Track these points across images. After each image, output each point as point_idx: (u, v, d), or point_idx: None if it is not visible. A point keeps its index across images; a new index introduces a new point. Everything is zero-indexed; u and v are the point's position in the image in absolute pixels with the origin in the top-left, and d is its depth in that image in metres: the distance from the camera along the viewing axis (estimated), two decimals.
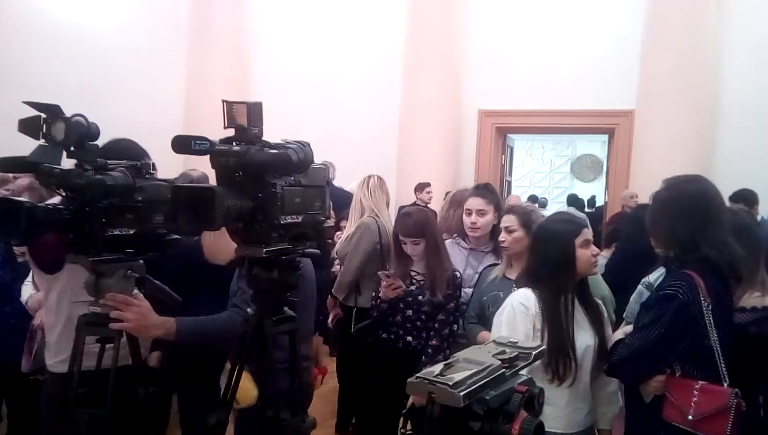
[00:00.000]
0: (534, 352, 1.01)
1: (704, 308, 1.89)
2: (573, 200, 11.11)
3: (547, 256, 2.15)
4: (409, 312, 2.76)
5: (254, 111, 1.57)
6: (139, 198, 1.70)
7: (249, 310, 1.69)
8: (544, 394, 0.97)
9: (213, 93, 5.87)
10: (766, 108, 6.75)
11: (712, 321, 1.89)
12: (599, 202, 11.00)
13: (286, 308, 1.69)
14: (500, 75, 7.66)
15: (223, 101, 1.57)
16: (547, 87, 7.47)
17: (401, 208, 4.10)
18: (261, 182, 1.54)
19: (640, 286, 2.93)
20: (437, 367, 0.90)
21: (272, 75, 7.88)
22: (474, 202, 3.11)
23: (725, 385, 1.88)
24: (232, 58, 7.61)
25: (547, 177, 14.67)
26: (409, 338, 2.76)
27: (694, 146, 6.43)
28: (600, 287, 3.08)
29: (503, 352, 0.98)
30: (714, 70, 6.67)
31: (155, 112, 6.93)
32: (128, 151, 2.04)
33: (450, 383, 0.84)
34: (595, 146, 13.66)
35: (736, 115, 6.79)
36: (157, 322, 1.79)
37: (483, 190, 3.43)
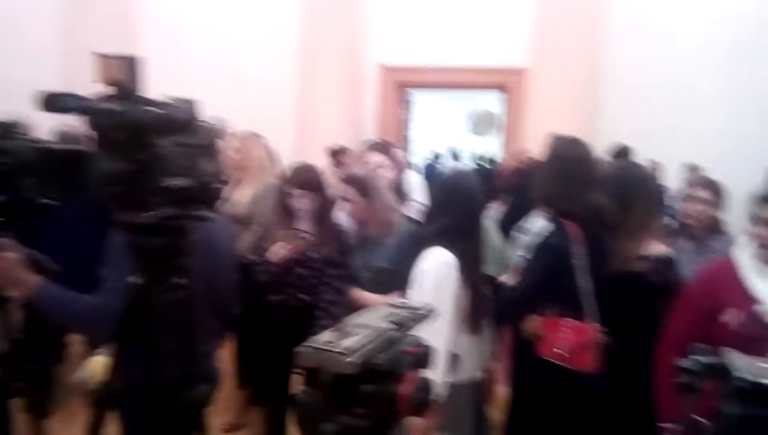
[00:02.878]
0: (424, 312, 1.02)
1: (577, 254, 2.07)
2: (455, 154, 11.41)
3: (469, 211, 2.21)
4: (301, 270, 2.74)
5: (132, 65, 1.45)
6: (4, 160, 1.55)
7: (134, 278, 1.59)
8: (433, 353, 0.99)
9: (93, 46, 5.42)
10: (646, 69, 7.21)
11: (583, 265, 2.08)
12: (494, 157, 11.38)
13: (174, 276, 1.61)
14: (400, 30, 7.63)
15: (97, 55, 1.44)
16: (446, 43, 7.53)
17: None
18: (142, 143, 1.44)
19: (513, 232, 3.11)
20: (327, 335, 0.89)
21: (159, 25, 7.38)
22: (372, 159, 3.14)
23: (590, 322, 2.08)
24: (114, 7, 7.03)
25: (446, 132, 14.93)
26: (303, 296, 2.75)
27: (582, 104, 6.77)
28: (494, 239, 3.21)
29: (394, 314, 0.99)
30: (600, 33, 6.98)
31: (30, 66, 6.31)
32: None
33: (341, 350, 0.84)
34: (493, 102, 14.01)
35: (619, 75, 7.19)
36: (24, 278, 1.63)
37: (380, 145, 3.49)
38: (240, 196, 3.48)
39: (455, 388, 2.13)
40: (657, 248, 2.26)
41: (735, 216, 2.28)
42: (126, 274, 1.60)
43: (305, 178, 2.73)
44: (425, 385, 0.91)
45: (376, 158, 3.18)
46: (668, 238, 2.78)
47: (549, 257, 2.06)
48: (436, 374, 1.95)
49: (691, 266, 2.54)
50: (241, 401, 3.69)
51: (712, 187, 2.77)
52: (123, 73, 1.44)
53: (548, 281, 2.08)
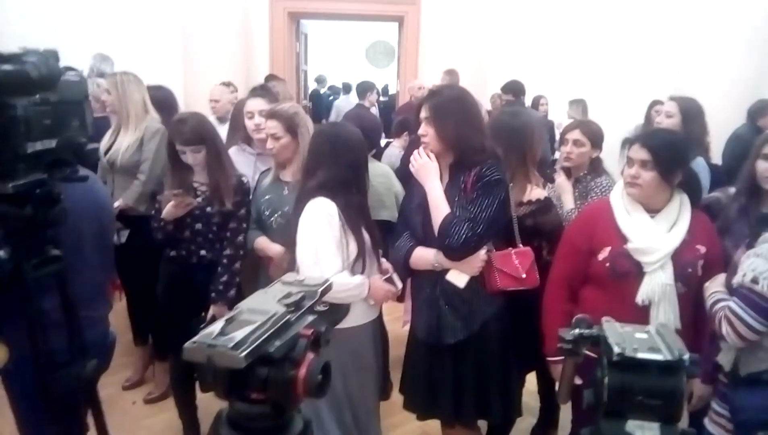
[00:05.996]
0: (320, 289, 1.00)
1: (510, 188, 2.17)
2: (347, 88, 11.28)
3: (351, 162, 2.20)
4: (199, 225, 2.62)
5: None
6: None
7: (1, 253, 1.45)
8: (330, 331, 0.97)
9: None
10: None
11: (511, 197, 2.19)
12: (392, 90, 11.31)
13: (49, 247, 1.48)
14: None
15: None
16: None
17: None
18: None
19: None
20: (217, 326, 0.84)
21: None
22: (254, 104, 2.97)
23: (521, 246, 2.22)
24: None
25: (343, 64, 14.62)
26: (203, 252, 2.65)
27: (473, 37, 6.81)
28: (394, 184, 3.22)
29: (289, 295, 0.95)
30: None
31: None
32: None
33: (230, 345, 0.79)
34: (390, 33, 13.81)
35: (512, 11, 7.28)
36: None
37: (260, 90, 3.30)
38: (120, 144, 3.24)
39: (350, 332, 2.18)
40: (535, 193, 2.37)
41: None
42: None
43: (192, 133, 2.55)
44: (324, 368, 0.89)
45: (256, 104, 2.98)
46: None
47: (501, 191, 2.09)
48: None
49: (575, 207, 2.70)
50: (141, 357, 3.57)
51: (584, 127, 2.85)
52: None
53: (502, 215, 2.12)
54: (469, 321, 2.17)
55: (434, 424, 2.46)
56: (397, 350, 3.24)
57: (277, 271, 2.45)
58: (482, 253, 2.13)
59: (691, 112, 3.16)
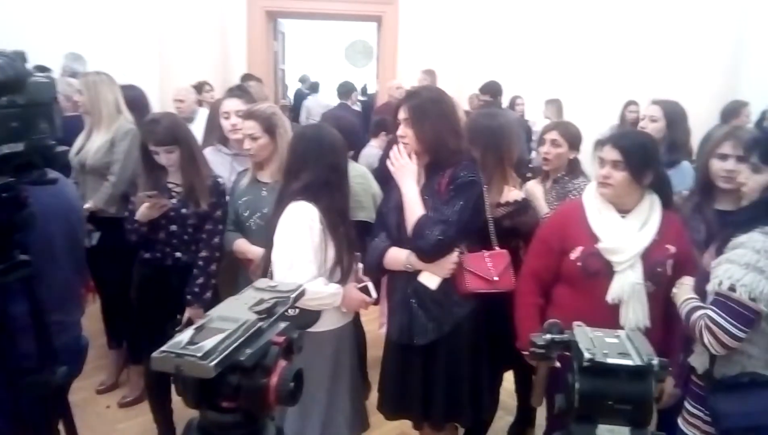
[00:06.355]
0: (293, 295, 0.99)
1: (485, 189, 2.19)
2: (315, 87, 11.24)
3: (332, 164, 2.16)
4: (174, 227, 2.58)
5: None
6: None
7: None
8: (302, 338, 0.96)
9: None
10: (515, 5, 7.35)
11: (486, 198, 2.20)
12: (371, 90, 11.28)
13: (17, 252, 1.45)
14: None
15: None
16: None
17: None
18: None
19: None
20: (186, 335, 0.83)
21: None
22: (230, 105, 2.94)
23: (497, 248, 2.22)
24: None
25: (322, 63, 14.56)
26: (178, 254, 2.61)
27: (451, 37, 6.83)
28: (372, 185, 3.20)
29: (261, 302, 0.94)
30: None
31: None
32: None
33: (199, 354, 0.78)
34: (369, 32, 13.77)
35: (489, 12, 7.30)
36: None
37: (237, 90, 3.28)
38: (91, 144, 3.18)
39: (325, 335, 2.18)
40: (512, 194, 2.39)
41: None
42: None
43: (165, 133, 2.52)
44: (296, 375, 0.89)
45: (233, 104, 2.96)
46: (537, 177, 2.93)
47: (475, 193, 2.10)
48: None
49: (551, 209, 2.71)
50: (115, 360, 3.52)
51: (562, 129, 2.85)
52: None
53: (475, 215, 2.13)
54: (440, 322, 2.16)
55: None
56: (376, 351, 3.23)
57: (257, 272, 2.43)
58: (454, 255, 2.13)
59: (676, 116, 3.12)
